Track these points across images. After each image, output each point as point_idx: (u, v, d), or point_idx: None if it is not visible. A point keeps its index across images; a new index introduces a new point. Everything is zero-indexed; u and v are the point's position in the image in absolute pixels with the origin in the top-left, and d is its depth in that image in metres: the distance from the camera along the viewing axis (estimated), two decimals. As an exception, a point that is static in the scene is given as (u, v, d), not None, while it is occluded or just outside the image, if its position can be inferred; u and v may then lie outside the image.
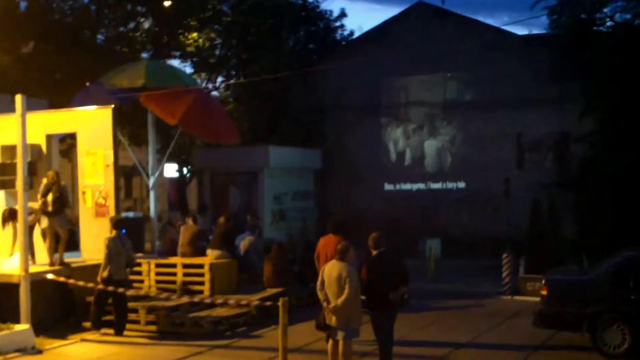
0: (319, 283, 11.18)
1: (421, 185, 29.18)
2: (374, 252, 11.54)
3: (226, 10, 29.46)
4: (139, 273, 16.07)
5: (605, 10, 26.13)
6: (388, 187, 29.49)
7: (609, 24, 26.43)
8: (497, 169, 27.15)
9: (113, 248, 13.94)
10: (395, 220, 27.02)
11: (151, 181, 18.01)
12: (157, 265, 16.21)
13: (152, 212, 18.10)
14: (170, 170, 35.23)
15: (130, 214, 19.05)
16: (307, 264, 17.60)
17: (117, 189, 16.05)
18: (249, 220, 18.45)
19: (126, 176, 34.63)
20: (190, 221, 17.11)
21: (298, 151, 27.56)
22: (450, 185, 28.79)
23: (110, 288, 13.61)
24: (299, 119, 29.16)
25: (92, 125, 16.18)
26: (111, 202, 15.97)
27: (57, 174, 14.95)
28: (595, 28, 26.07)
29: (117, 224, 14.39)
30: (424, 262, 21.77)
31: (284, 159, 26.52)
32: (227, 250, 16.37)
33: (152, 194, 18.13)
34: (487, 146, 27.91)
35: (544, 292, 13.24)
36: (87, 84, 18.94)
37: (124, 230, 14.72)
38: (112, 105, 15.96)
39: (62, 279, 14.37)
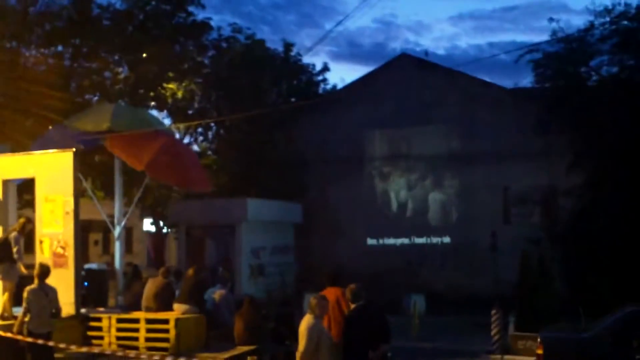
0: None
1: (404, 240, 27.91)
2: (353, 306, 10.22)
3: (206, 62, 28.48)
4: (99, 329, 14.47)
5: (591, 63, 25.43)
6: (370, 241, 28.13)
7: (594, 77, 25.69)
8: (483, 222, 25.96)
9: (33, 300, 12.39)
10: (378, 275, 25.68)
11: (117, 231, 16.50)
12: (119, 321, 14.58)
13: (117, 264, 16.56)
14: (149, 225, 34.05)
15: (94, 266, 17.56)
16: (282, 320, 16.14)
17: (77, 238, 14.56)
18: (220, 273, 16.96)
19: (104, 231, 33.30)
20: (160, 274, 15.52)
21: (277, 204, 26.22)
22: (434, 239, 27.52)
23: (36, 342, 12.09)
24: (280, 172, 27.92)
25: (51, 169, 14.76)
26: (70, 252, 14.47)
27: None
28: (582, 81, 25.32)
29: (41, 274, 12.75)
30: (407, 319, 20.29)
31: (262, 212, 25.15)
32: (196, 305, 14.75)
33: (117, 245, 16.58)
34: (473, 199, 26.70)
35: (540, 352, 12.00)
36: (50, 127, 17.59)
37: (85, 284, 13.26)
38: (73, 149, 14.57)
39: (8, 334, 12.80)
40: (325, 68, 33.23)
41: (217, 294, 15.73)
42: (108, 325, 14.53)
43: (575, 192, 24.03)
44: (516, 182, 26.31)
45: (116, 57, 25.29)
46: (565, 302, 18.67)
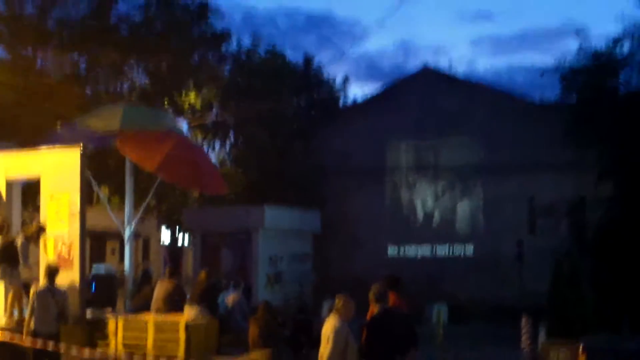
0: None
1: (427, 250, 26.70)
2: (376, 308, 9.18)
3: (225, 72, 27.72)
4: (105, 332, 13.50)
5: (620, 76, 24.40)
6: (391, 252, 27.00)
7: (623, 91, 24.63)
8: (507, 233, 24.84)
9: (37, 301, 12.09)
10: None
11: (127, 234, 15.54)
12: (126, 323, 13.60)
13: (126, 267, 15.58)
14: (166, 236, 33.30)
15: (102, 269, 16.58)
16: (300, 328, 15.14)
17: (83, 239, 13.65)
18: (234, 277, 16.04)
19: (121, 240, 32.51)
20: (167, 275, 14.52)
21: (295, 212, 25.25)
22: (457, 249, 26.35)
23: (39, 344, 11.50)
24: (298, 182, 26.98)
25: (57, 167, 13.87)
26: (76, 254, 13.55)
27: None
28: (611, 94, 24.26)
29: (49, 273, 12.33)
30: (430, 329, 19.12)
31: (280, 220, 24.18)
32: (207, 308, 13.75)
33: (127, 248, 15.61)
34: (497, 210, 25.58)
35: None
36: (59, 126, 16.71)
37: (93, 287, 12.39)
38: (81, 146, 13.69)
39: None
40: (346, 81, 32.43)
41: (230, 297, 14.76)
42: (115, 329, 13.52)
43: (603, 205, 22.88)
44: (542, 193, 25.13)
45: (133, 66, 24.49)
46: (595, 313, 17.55)
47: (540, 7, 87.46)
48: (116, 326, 13.50)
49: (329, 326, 8.90)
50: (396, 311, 9.49)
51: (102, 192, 18.71)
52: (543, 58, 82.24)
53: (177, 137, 15.40)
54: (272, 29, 68.38)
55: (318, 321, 15.44)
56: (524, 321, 16.28)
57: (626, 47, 23.57)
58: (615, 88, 24.26)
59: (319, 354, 9.00)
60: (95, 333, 13.53)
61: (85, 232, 13.76)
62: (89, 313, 14.28)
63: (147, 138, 14.63)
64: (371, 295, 9.31)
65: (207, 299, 13.92)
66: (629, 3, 27.76)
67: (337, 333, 8.69)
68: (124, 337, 13.43)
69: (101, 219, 33.99)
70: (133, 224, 15.70)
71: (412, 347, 9.09)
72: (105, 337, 13.52)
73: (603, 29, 58.07)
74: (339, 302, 9.04)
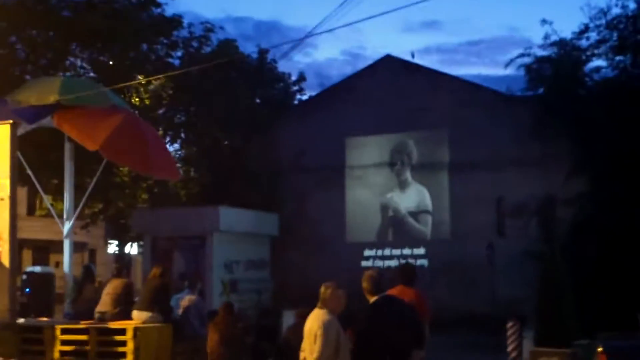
0: None
1: (391, 254, 24.84)
2: (372, 299, 7.26)
3: (175, 63, 25.49)
4: (40, 341, 11.31)
5: (586, 67, 23.22)
6: (354, 257, 25.01)
7: (590, 82, 23.40)
8: (474, 235, 23.18)
9: None
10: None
11: (66, 228, 13.35)
12: (64, 332, 11.40)
13: (65, 266, 13.37)
14: (113, 247, 31.17)
15: (37, 269, 14.33)
16: (264, 334, 13.18)
17: (14, 230, 11.44)
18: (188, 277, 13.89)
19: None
20: (115, 271, 12.33)
21: (252, 214, 23.20)
22: (422, 254, 24.57)
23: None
24: (254, 182, 24.98)
25: (-18, 147, 11.70)
26: (5, 247, 11.34)
27: None
28: (578, 85, 23.03)
29: None
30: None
31: (236, 222, 22.10)
32: (159, 312, 11.64)
33: (66, 243, 13.38)
34: (463, 211, 23.88)
35: (604, 361, 9.11)
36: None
37: (27, 290, 10.15)
38: (11, 121, 11.51)
39: None
40: (302, 78, 30.52)
41: (185, 299, 12.65)
42: (51, 337, 11.37)
43: (575, 202, 21.42)
44: (511, 192, 23.54)
45: (75, 50, 22.17)
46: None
47: (487, 17, 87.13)
48: (53, 334, 11.33)
49: (314, 321, 7.13)
50: (398, 299, 7.62)
51: (48, 201, 16.31)
52: (490, 68, 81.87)
53: (125, 113, 13.33)
54: (221, 36, 66.07)
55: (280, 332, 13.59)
56: (510, 325, 14.56)
57: (592, 37, 22.54)
58: (583, 77, 22.96)
59: (301, 358, 7.28)
60: (28, 341, 11.37)
61: (16, 221, 11.52)
62: (21, 320, 12.09)
63: (89, 112, 12.53)
64: (366, 284, 7.51)
65: (160, 300, 11.82)
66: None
67: (327, 328, 6.90)
68: (62, 346, 11.28)
69: (44, 229, 31.78)
70: (73, 218, 13.50)
71: (416, 347, 7.27)
72: (40, 345, 11.35)
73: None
74: (325, 290, 7.28)
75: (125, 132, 12.64)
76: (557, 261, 15.42)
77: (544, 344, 14.21)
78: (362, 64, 75.73)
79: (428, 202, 24.80)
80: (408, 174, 24.94)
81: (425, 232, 24.81)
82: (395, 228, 25.14)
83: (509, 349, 14.46)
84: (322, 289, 7.32)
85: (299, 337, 12.68)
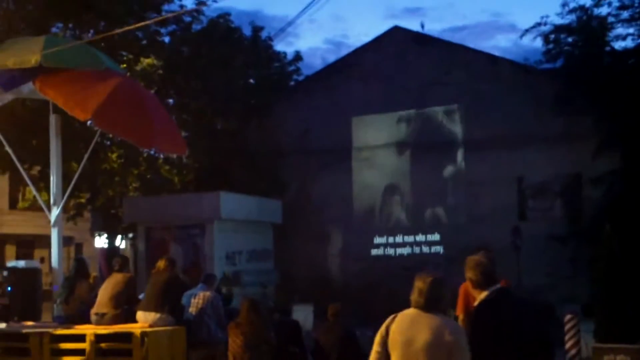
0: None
1: (403, 242, 22.82)
2: (483, 295, 5.28)
3: (165, 41, 23.32)
4: (25, 352, 9.16)
5: (609, 35, 21.43)
6: (363, 245, 22.98)
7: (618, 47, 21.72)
8: (495, 219, 21.25)
9: None
10: (372, 283, 20.84)
11: (53, 215, 11.19)
12: (54, 339, 9.25)
13: (54, 259, 11.21)
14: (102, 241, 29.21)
15: (21, 263, 12.16)
16: (286, 334, 11.00)
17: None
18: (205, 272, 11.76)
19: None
20: (117, 266, 10.16)
21: (254, 201, 21.24)
22: (436, 240, 22.59)
23: None
24: (254, 165, 22.92)
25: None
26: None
27: None
28: (602, 54, 21.32)
29: None
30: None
31: (238, 209, 20.17)
32: (170, 313, 9.51)
33: (54, 233, 11.20)
34: (483, 193, 21.87)
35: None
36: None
37: (9, 288, 8.00)
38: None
39: None
40: (298, 57, 28.32)
41: (200, 296, 10.52)
42: (39, 346, 9.21)
43: (604, 180, 19.68)
44: (532, 171, 21.64)
45: (56, 26, 20.07)
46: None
47: (470, 2, 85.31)
48: (40, 342, 9.17)
49: (429, 328, 5.10)
50: (520, 297, 5.62)
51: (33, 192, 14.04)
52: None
53: (121, 77, 11.13)
54: (213, 14, 63.99)
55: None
56: (568, 317, 12.60)
57: (614, 2, 20.92)
58: (608, 45, 21.20)
59: None
60: (11, 351, 9.25)
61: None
62: (2, 325, 9.96)
63: (79, 76, 10.33)
64: (473, 274, 5.46)
65: (170, 299, 9.68)
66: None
67: (462, 338, 5.05)
68: (52, 356, 9.12)
69: (28, 222, 29.70)
70: (62, 203, 11.33)
71: (544, 354, 5.34)
72: (26, 356, 9.19)
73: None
74: (436, 286, 5.19)
75: (122, 99, 10.45)
76: (613, 244, 13.38)
77: (607, 339, 12.30)
78: (345, 53, 73.91)
79: (441, 185, 22.77)
80: (421, 154, 22.85)
81: (440, 217, 22.78)
82: (407, 213, 23.09)
83: (568, 345, 12.49)
84: (420, 283, 5.27)
85: (333, 339, 10.56)
